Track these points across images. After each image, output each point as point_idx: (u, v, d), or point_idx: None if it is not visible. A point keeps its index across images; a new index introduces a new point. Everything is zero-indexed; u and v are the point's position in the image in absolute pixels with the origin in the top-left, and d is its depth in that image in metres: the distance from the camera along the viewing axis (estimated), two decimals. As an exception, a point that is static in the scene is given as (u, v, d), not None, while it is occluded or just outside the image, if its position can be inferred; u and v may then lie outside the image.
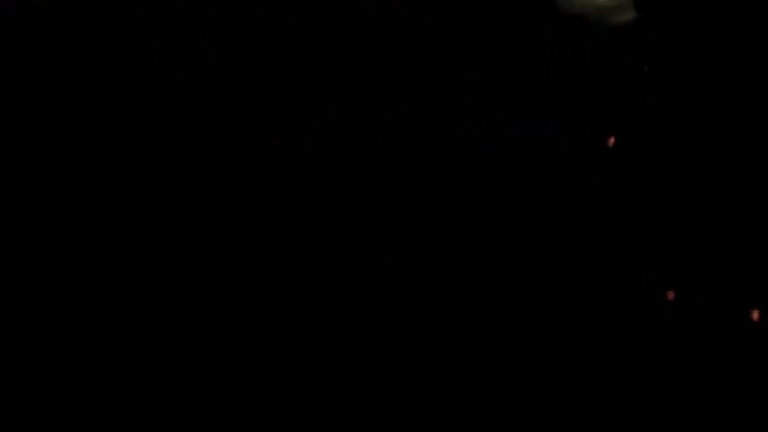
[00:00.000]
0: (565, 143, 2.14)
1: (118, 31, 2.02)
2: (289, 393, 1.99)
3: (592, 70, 2.54)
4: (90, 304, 1.87)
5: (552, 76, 1.95)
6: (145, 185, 1.98)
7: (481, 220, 2.17)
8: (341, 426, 1.99)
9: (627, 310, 2.13)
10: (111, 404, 1.94)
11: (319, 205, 2.17)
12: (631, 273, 2.23)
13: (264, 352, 2.02)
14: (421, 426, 1.95)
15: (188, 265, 2.00)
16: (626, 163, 2.39)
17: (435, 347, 2.06)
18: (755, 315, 2.10)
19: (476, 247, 2.17)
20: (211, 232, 2.02)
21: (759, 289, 2.33)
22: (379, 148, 2.24)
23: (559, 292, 2.07)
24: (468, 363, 2.03)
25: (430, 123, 2.27)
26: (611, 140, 2.50)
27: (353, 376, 2.02)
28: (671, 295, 2.15)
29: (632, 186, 2.40)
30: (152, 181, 2.02)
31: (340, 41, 2.22)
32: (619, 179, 2.37)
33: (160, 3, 1.96)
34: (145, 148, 2.02)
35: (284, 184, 2.17)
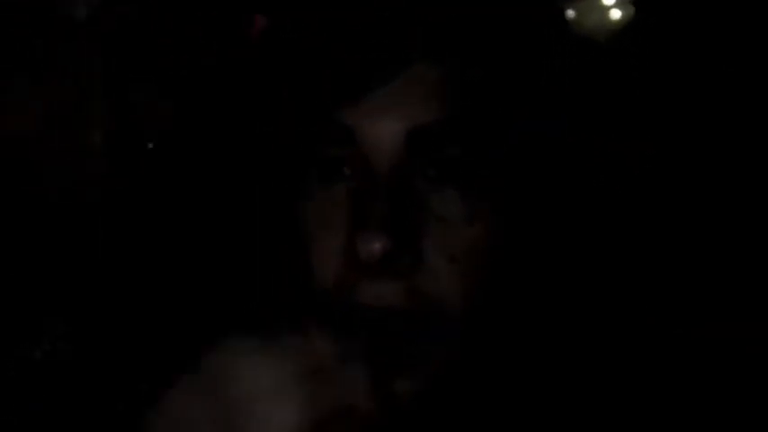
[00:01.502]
0: (565, 143, 2.12)
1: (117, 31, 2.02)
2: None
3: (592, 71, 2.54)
4: (89, 299, 1.87)
5: (552, 75, 1.94)
6: (144, 186, 1.99)
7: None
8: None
9: (625, 311, 2.13)
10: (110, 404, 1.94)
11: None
12: (632, 278, 2.23)
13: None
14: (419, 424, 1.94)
15: (189, 261, 2.01)
16: (627, 164, 2.39)
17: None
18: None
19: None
20: (213, 229, 2.02)
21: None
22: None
23: (558, 291, 2.06)
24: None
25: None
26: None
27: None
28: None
29: (633, 188, 2.40)
30: (152, 181, 2.02)
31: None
32: (619, 180, 2.37)
33: (160, 3, 1.97)
34: (144, 147, 2.02)
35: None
